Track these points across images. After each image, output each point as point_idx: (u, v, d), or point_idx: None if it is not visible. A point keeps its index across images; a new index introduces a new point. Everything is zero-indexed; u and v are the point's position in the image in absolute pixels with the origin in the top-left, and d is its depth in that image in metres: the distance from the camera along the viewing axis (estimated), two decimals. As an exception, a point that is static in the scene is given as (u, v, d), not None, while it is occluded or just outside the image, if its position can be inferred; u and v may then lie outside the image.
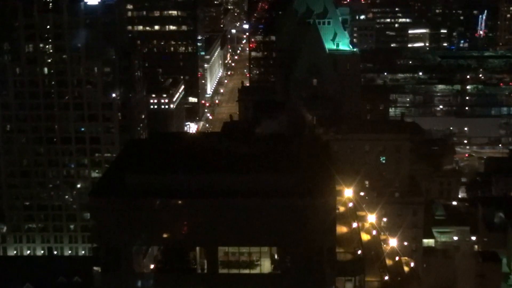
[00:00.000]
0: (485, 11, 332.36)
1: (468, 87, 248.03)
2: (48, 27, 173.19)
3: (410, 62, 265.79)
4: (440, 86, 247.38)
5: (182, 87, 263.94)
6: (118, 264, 61.43)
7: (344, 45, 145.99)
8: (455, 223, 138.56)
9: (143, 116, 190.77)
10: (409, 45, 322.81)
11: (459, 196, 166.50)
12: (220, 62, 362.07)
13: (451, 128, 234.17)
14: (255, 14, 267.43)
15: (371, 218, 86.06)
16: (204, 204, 60.66)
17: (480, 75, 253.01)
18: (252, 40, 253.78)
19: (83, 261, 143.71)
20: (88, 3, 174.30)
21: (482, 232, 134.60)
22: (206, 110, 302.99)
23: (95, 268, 65.17)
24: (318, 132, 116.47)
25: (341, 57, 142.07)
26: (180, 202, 61.07)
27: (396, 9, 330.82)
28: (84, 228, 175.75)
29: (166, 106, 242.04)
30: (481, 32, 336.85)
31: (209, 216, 60.36)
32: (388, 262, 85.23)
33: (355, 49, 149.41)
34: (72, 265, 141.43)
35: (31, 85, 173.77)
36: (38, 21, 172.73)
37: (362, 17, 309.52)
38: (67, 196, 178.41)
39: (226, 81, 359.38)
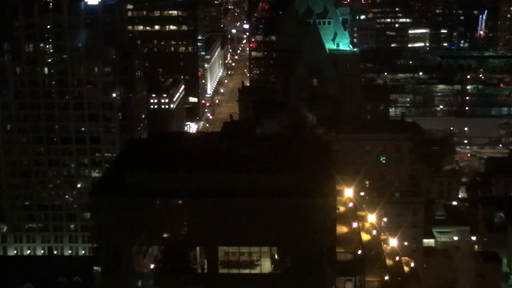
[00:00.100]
0: (485, 11, 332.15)
1: (468, 87, 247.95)
2: (49, 27, 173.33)
3: (410, 62, 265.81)
4: (440, 86, 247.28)
5: (182, 87, 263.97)
6: (118, 264, 61.38)
7: (344, 45, 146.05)
8: (455, 223, 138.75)
9: (143, 116, 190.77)
10: (409, 45, 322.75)
11: (459, 196, 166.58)
12: (220, 62, 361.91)
13: (452, 128, 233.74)
14: (255, 14, 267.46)
15: (371, 218, 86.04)
16: (204, 204, 60.62)
17: (481, 75, 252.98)
18: (252, 40, 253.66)
19: (83, 261, 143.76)
20: (88, 3, 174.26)
21: (482, 232, 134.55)
22: (206, 110, 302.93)
23: (95, 268, 65.02)
24: (318, 132, 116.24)
25: (341, 57, 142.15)
26: (180, 202, 61.01)
27: (396, 9, 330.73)
28: (84, 228, 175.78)
29: (166, 106, 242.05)
30: (481, 32, 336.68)
31: (209, 216, 60.30)
32: (388, 262, 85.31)
33: (355, 49, 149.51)
34: (72, 265, 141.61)
35: (31, 85, 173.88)
36: (38, 21, 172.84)
37: (362, 17, 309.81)
38: (67, 196, 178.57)
39: (226, 81, 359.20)
